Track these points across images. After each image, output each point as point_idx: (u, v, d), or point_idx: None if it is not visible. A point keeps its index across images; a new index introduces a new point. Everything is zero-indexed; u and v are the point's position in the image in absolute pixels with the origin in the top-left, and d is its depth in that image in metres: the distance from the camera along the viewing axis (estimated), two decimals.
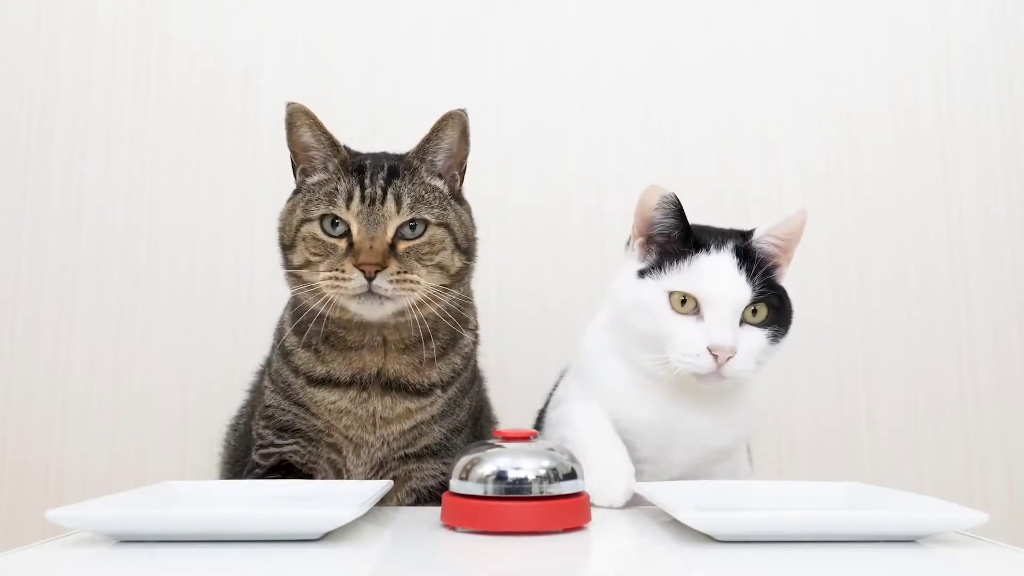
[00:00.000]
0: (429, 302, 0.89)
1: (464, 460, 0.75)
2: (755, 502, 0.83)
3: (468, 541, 0.71)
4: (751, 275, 0.89)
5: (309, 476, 0.94)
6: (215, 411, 1.14)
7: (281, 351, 0.96)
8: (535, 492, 0.72)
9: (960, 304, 1.40)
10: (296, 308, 0.94)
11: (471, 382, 1.01)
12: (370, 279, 0.85)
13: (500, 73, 1.44)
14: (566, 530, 0.73)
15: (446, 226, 0.91)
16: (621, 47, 1.45)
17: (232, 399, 1.15)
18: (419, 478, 0.95)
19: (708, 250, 0.91)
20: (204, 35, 1.43)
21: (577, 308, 1.37)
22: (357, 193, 0.88)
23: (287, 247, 0.92)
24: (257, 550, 0.64)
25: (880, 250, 1.41)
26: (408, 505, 0.95)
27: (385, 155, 0.95)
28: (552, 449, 0.76)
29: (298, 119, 0.93)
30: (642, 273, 0.93)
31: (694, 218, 1.25)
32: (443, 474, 0.95)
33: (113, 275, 1.38)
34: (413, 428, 0.93)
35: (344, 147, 0.93)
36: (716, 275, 0.89)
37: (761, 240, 0.93)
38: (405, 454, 0.94)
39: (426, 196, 0.91)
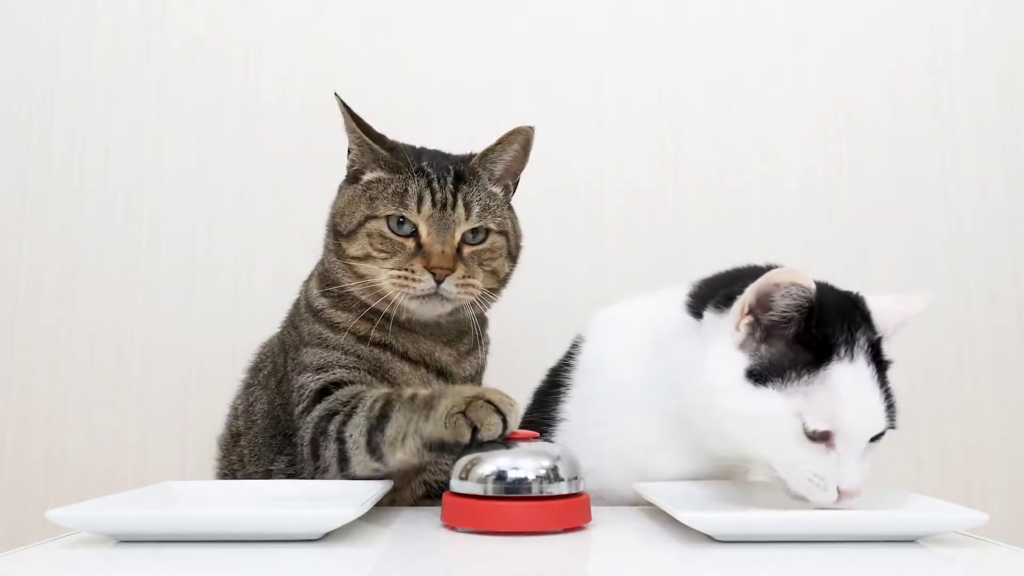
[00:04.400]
0: (478, 303, 0.92)
1: (464, 460, 0.75)
2: (755, 502, 0.82)
3: (468, 541, 0.71)
4: (885, 391, 0.74)
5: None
6: (215, 411, 1.14)
7: (310, 310, 0.96)
8: (535, 492, 0.72)
9: (960, 304, 1.40)
10: (328, 287, 0.94)
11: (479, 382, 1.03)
12: (439, 281, 0.87)
13: (501, 73, 1.44)
14: (566, 530, 0.73)
15: (504, 234, 0.94)
16: (622, 47, 1.45)
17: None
18: (432, 471, 0.95)
19: (840, 355, 0.73)
20: (205, 29, 1.43)
21: (577, 308, 1.37)
22: (428, 197, 0.90)
23: (344, 236, 0.92)
24: (257, 550, 0.65)
25: (880, 250, 1.41)
26: (419, 496, 0.95)
27: (442, 155, 0.97)
28: (552, 449, 0.76)
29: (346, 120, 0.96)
30: (756, 377, 0.74)
31: (696, 217, 1.25)
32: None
33: (113, 276, 1.38)
34: None
35: (394, 143, 0.95)
36: (860, 404, 0.72)
37: (891, 337, 0.77)
38: None
39: (490, 204, 0.93)
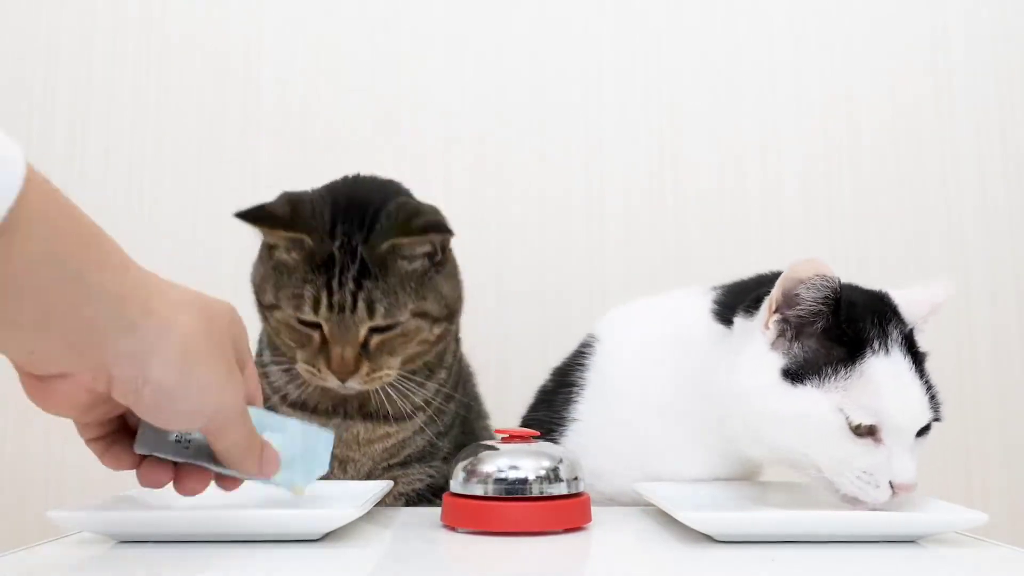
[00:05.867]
0: (410, 376, 0.89)
1: (464, 460, 0.75)
2: (756, 502, 0.82)
3: (468, 541, 0.71)
4: (925, 382, 0.75)
5: None
6: None
7: (260, 362, 0.93)
8: (535, 492, 0.72)
9: (960, 304, 1.40)
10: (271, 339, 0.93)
11: (455, 387, 0.99)
12: (343, 380, 0.84)
13: (501, 71, 1.44)
14: (566, 530, 0.73)
15: (423, 314, 0.86)
16: (622, 47, 1.45)
17: None
18: (406, 482, 0.94)
19: (874, 348, 0.73)
20: (205, 29, 1.43)
21: (577, 308, 1.37)
22: (324, 299, 0.83)
23: (263, 306, 0.89)
24: (257, 550, 0.65)
25: (880, 250, 1.41)
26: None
27: (361, 205, 0.87)
28: (553, 449, 0.76)
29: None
30: (793, 376, 0.73)
31: (696, 217, 1.24)
32: (430, 476, 0.95)
33: None
34: (395, 444, 0.93)
35: (308, 233, 0.84)
36: (902, 394, 0.72)
37: (920, 328, 0.78)
38: (388, 464, 0.94)
39: (400, 294, 0.84)
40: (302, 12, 1.44)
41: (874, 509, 0.71)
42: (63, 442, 1.34)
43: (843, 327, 0.73)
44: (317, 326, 0.84)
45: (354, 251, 0.84)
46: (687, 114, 1.44)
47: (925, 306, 0.78)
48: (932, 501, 0.74)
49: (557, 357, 1.03)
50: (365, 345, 0.84)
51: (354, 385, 0.84)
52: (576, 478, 0.74)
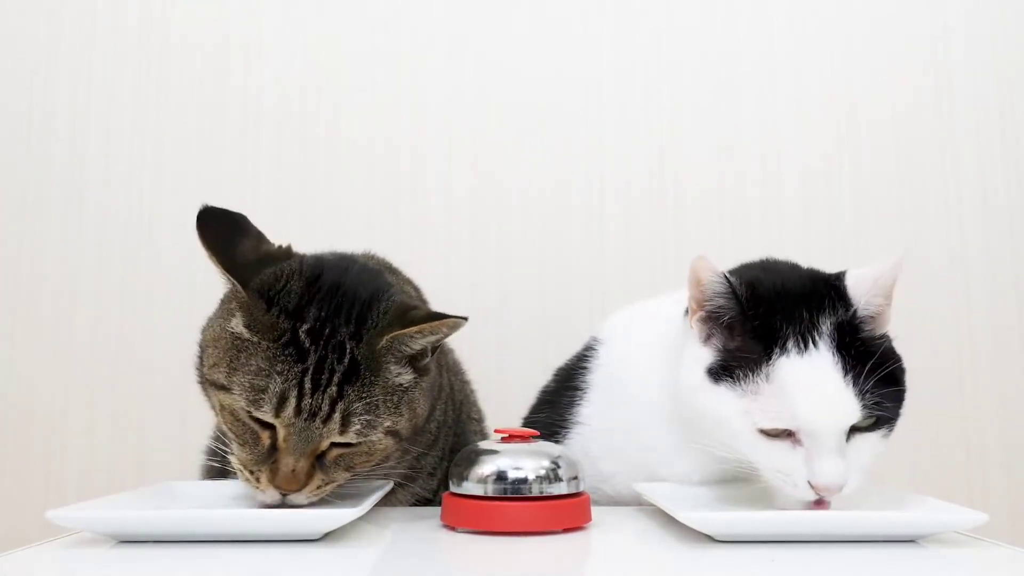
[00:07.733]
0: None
1: (464, 460, 0.75)
2: (755, 502, 0.82)
3: (468, 541, 0.71)
4: (860, 378, 0.69)
5: None
6: None
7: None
8: (535, 492, 0.72)
9: (960, 304, 1.40)
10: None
11: (438, 396, 0.91)
12: (285, 495, 0.71)
13: (501, 73, 1.44)
14: (566, 530, 0.73)
15: (394, 433, 0.74)
16: (622, 47, 1.45)
17: None
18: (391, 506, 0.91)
19: (787, 347, 0.70)
20: (205, 28, 1.43)
21: (577, 308, 1.37)
22: (293, 401, 0.69)
23: (205, 372, 0.75)
24: (257, 550, 0.65)
25: (880, 250, 1.41)
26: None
27: (349, 295, 0.74)
28: (552, 449, 0.76)
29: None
30: (714, 375, 0.73)
31: (696, 217, 1.24)
32: (415, 496, 0.92)
33: (114, 275, 1.38)
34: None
35: (282, 316, 0.71)
36: (812, 397, 0.69)
37: (868, 306, 0.73)
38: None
39: (381, 409, 0.72)
40: (302, 12, 1.44)
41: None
42: (63, 442, 1.34)
43: (755, 324, 0.72)
44: (271, 427, 0.71)
45: (341, 346, 0.70)
46: (687, 114, 1.44)
47: (868, 281, 0.75)
48: (932, 501, 0.74)
49: (557, 357, 1.03)
50: (321, 456, 0.72)
51: (298, 499, 0.71)
52: (576, 478, 0.74)
